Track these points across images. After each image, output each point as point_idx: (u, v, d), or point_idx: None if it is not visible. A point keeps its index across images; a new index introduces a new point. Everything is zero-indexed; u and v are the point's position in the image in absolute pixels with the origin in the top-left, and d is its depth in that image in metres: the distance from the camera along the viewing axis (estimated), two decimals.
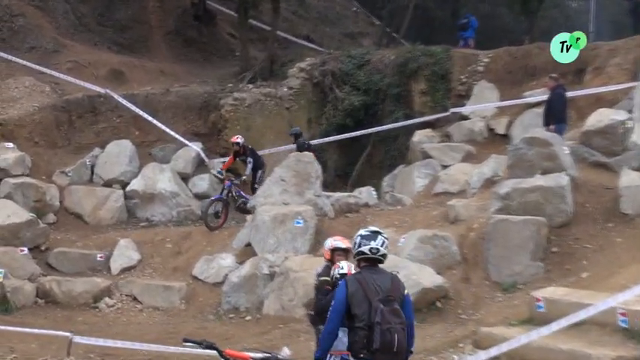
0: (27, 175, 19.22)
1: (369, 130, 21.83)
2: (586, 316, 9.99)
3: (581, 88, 19.31)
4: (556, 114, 16.66)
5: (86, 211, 19.68)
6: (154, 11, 28.08)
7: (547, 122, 16.67)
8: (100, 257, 17.32)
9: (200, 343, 6.74)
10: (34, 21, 24.84)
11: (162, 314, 15.27)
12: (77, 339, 11.69)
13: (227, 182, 18.31)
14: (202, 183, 20.66)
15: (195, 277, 16.22)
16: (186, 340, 6.87)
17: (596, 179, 14.63)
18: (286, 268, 14.36)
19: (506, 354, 9.97)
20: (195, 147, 21.24)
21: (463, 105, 21.25)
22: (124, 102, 21.54)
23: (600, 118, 15.59)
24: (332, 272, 7.99)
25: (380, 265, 6.58)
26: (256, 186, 18.25)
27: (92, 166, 20.69)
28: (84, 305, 15.65)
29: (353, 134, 21.87)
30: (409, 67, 22.22)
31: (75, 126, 21.59)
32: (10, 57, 22.81)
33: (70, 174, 20.25)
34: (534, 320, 10.97)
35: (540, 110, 17.62)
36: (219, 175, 18.94)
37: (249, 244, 16.17)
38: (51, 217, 18.99)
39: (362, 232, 6.65)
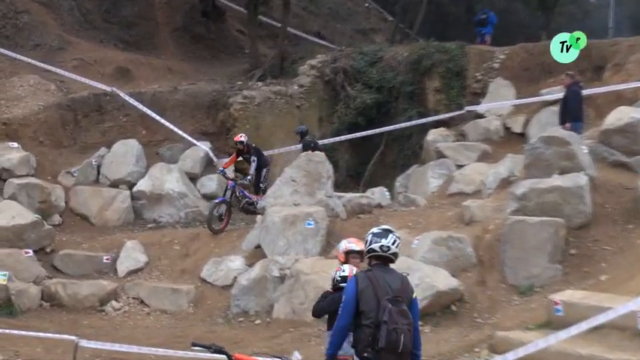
0: (32, 176, 19.27)
1: (382, 129, 21.81)
2: (605, 320, 9.94)
3: (600, 85, 19.26)
4: (572, 112, 16.61)
5: (92, 212, 19.71)
6: (161, 7, 28.18)
7: (563, 120, 16.63)
8: (107, 259, 17.36)
9: (209, 348, 6.76)
10: (38, 18, 24.94)
11: (170, 318, 15.30)
12: (83, 343, 11.68)
13: (231, 183, 18.24)
14: (211, 183, 20.66)
15: (203, 280, 16.23)
16: (194, 345, 6.90)
17: (615, 179, 14.58)
18: (297, 270, 14.35)
19: (524, 359, 9.94)
20: (204, 146, 21.25)
21: (478, 103, 21.24)
22: (131, 100, 21.58)
23: (620, 116, 15.54)
24: (334, 275, 8.09)
25: (391, 266, 6.65)
26: (261, 185, 18.26)
27: (98, 166, 20.70)
28: (90, 308, 15.66)
29: (365, 133, 21.84)
30: (423, 64, 22.22)
31: (81, 125, 21.65)
32: (14, 55, 22.89)
33: (75, 174, 20.29)
34: (552, 324, 10.94)
35: (557, 108, 17.57)
36: (223, 175, 18.86)
37: (258, 246, 16.19)
38: (56, 219, 19.02)
39: (374, 229, 6.77)
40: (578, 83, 17.29)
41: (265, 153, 19.18)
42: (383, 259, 6.62)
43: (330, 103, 23.15)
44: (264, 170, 18.52)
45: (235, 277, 15.61)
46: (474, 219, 15.05)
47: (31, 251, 16.57)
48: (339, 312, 6.58)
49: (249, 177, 18.47)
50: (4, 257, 15.98)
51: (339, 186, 19.80)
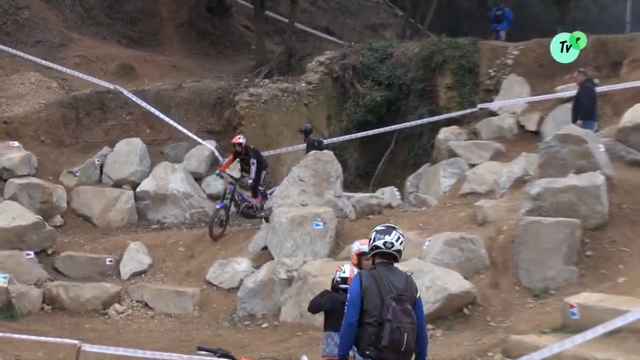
0: (33, 176, 19.32)
1: (392, 127, 21.81)
2: (623, 324, 9.94)
3: (617, 81, 19.21)
4: (584, 110, 16.58)
5: (95, 212, 19.77)
6: (166, 3, 28.22)
7: (575, 118, 16.61)
8: (110, 261, 17.40)
9: (215, 352, 6.79)
10: (40, 14, 25.03)
11: (175, 321, 15.33)
12: (86, 347, 11.72)
13: (230, 186, 18.15)
14: (216, 183, 20.62)
15: (209, 283, 16.26)
16: (200, 349, 6.93)
17: (633, 178, 14.52)
18: (305, 272, 14.35)
19: None
20: (209, 145, 21.27)
21: (491, 100, 21.19)
22: (134, 98, 21.63)
23: (637, 113, 15.50)
24: (334, 275, 8.16)
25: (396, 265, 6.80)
26: (260, 188, 18.20)
27: (101, 166, 20.76)
28: (92, 312, 15.72)
29: (375, 131, 21.79)
30: (434, 61, 22.20)
31: (83, 124, 21.71)
32: (15, 51, 22.98)
33: (77, 174, 20.34)
34: (568, 328, 10.92)
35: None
36: (221, 178, 18.83)
37: (265, 248, 16.22)
38: (58, 220, 19.08)
39: (377, 227, 6.93)
40: (591, 80, 17.26)
41: (273, 152, 19.14)
42: (387, 257, 6.75)
43: (339, 101, 23.15)
44: (264, 172, 18.43)
45: (241, 280, 15.63)
46: (487, 219, 15.02)
47: (32, 253, 16.63)
48: (346, 310, 6.64)
49: (249, 180, 18.40)
50: (4, 259, 16.05)
51: (349, 186, 19.80)
